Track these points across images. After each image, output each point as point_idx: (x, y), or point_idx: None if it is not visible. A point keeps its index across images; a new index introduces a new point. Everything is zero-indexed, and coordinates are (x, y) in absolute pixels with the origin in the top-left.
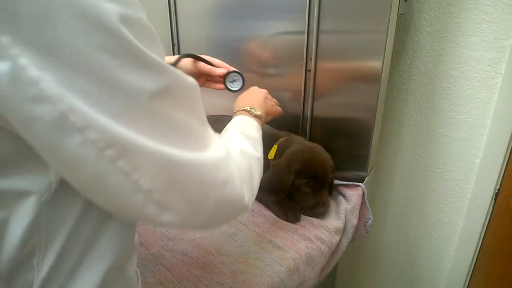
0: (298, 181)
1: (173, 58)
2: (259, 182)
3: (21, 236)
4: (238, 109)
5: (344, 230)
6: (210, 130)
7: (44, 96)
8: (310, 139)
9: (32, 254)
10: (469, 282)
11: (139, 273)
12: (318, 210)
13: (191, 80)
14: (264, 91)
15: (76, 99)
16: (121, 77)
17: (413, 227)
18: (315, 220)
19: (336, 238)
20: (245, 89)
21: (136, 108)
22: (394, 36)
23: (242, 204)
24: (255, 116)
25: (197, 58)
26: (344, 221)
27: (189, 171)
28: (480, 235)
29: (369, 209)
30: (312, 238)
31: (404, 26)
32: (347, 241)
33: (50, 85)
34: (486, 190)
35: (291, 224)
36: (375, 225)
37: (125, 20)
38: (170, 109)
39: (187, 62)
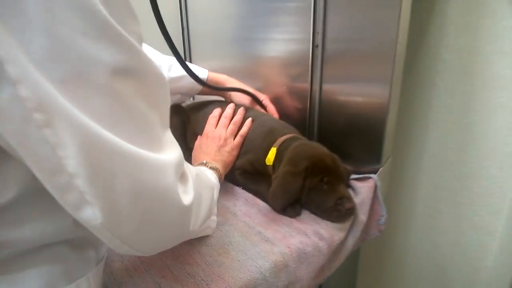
0: (310, 180)
1: (223, 80)
2: (207, 212)
3: None
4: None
5: (350, 227)
6: (170, 136)
7: None
8: (319, 125)
9: None
10: None
11: (105, 257)
12: (345, 204)
13: (161, 73)
14: (216, 138)
15: (20, 49)
16: (79, 41)
17: (443, 232)
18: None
19: (340, 235)
20: None
21: (89, 80)
22: (419, 10)
23: (182, 223)
24: (212, 168)
25: (253, 98)
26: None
27: (126, 163)
28: None
29: (383, 205)
30: (309, 233)
31: None
32: (354, 240)
33: None
34: None
35: (286, 217)
36: (399, 229)
37: None
38: (131, 93)
39: (243, 98)
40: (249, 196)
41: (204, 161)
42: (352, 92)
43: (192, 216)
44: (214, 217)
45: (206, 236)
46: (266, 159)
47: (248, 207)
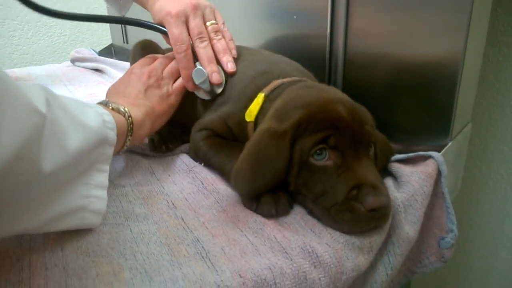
0: (302, 143)
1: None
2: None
3: None
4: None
5: (383, 246)
6: None
7: None
8: (345, 80)
9: None
10: None
11: None
12: (366, 199)
13: None
14: (145, 74)
15: None
16: None
17: None
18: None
19: (358, 260)
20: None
21: None
22: None
23: None
24: (115, 110)
25: (144, 26)
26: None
27: None
28: None
29: (450, 209)
30: (293, 250)
31: None
32: (390, 272)
33: None
34: None
35: (260, 216)
36: (482, 250)
37: None
38: None
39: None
40: (211, 177)
41: (107, 100)
42: (396, 45)
43: None
44: (99, 192)
45: (87, 235)
46: (246, 112)
47: (201, 195)
